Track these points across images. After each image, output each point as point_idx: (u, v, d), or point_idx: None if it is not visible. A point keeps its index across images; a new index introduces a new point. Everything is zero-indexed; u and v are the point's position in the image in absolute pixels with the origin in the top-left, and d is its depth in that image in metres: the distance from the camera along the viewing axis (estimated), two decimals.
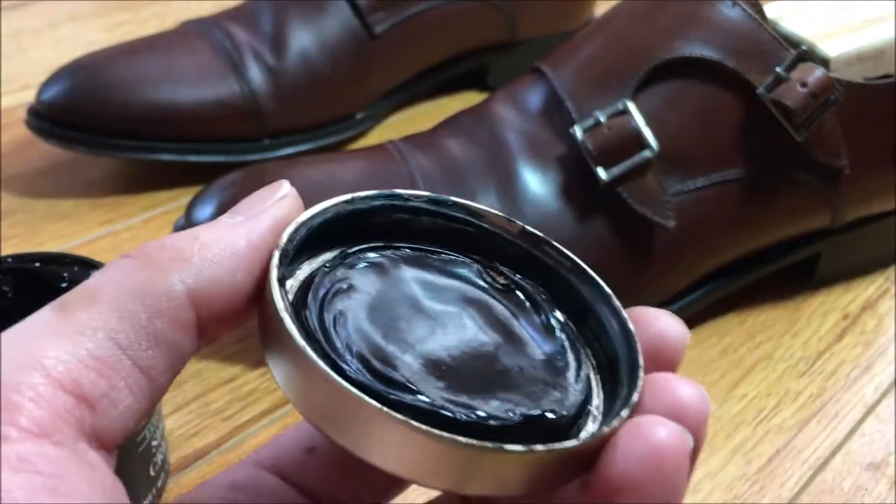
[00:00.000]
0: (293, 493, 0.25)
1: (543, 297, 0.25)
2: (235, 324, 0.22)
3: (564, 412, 0.22)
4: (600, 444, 0.20)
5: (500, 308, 0.24)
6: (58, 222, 0.59)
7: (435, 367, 0.21)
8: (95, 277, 0.20)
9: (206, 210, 0.48)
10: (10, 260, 0.39)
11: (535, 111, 0.50)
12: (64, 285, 0.38)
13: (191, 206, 0.49)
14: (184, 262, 0.20)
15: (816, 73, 0.46)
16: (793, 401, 0.47)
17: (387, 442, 0.19)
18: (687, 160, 0.47)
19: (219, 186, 0.49)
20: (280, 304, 0.20)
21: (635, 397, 0.21)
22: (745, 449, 0.45)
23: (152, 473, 0.38)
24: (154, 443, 0.38)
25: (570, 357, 0.23)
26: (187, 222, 0.48)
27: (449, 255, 0.25)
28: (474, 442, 0.19)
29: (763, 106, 0.47)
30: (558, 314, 0.24)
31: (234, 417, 0.46)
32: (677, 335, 0.23)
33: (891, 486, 0.43)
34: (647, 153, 0.46)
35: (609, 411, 0.22)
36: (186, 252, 0.21)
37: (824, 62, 0.51)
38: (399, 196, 0.25)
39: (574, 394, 0.22)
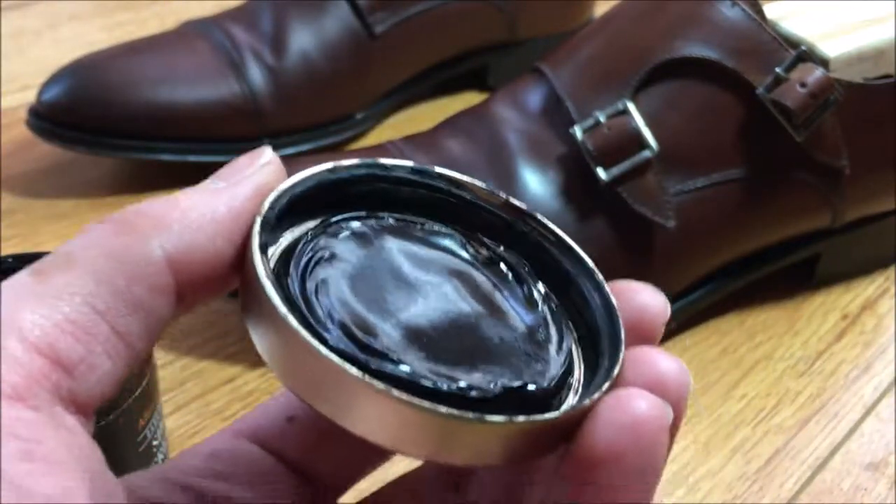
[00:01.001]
0: (272, 461, 0.25)
1: (526, 269, 0.25)
2: (216, 291, 0.21)
3: (545, 384, 0.22)
4: (581, 416, 0.20)
5: (482, 279, 0.24)
6: (58, 222, 0.59)
7: (417, 336, 0.21)
8: (73, 242, 0.20)
9: None
10: (10, 260, 0.39)
11: (535, 111, 0.50)
12: None
13: None
14: (163, 227, 0.20)
15: (816, 74, 0.46)
16: (792, 401, 0.47)
17: (367, 411, 0.19)
18: (687, 160, 0.48)
19: None
20: (261, 270, 0.20)
21: (616, 370, 0.21)
22: (744, 449, 0.45)
23: None
24: (154, 442, 0.38)
25: (552, 330, 0.23)
26: None
27: (432, 225, 0.25)
28: (454, 412, 0.19)
29: (763, 106, 0.47)
30: (541, 287, 0.24)
31: (234, 417, 0.46)
32: (658, 308, 0.23)
33: (890, 486, 0.43)
34: (646, 153, 0.46)
35: (590, 384, 0.22)
36: (166, 217, 0.20)
37: (824, 62, 0.51)
38: (382, 166, 0.24)
39: (555, 366, 0.22)
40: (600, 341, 0.23)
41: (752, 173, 0.48)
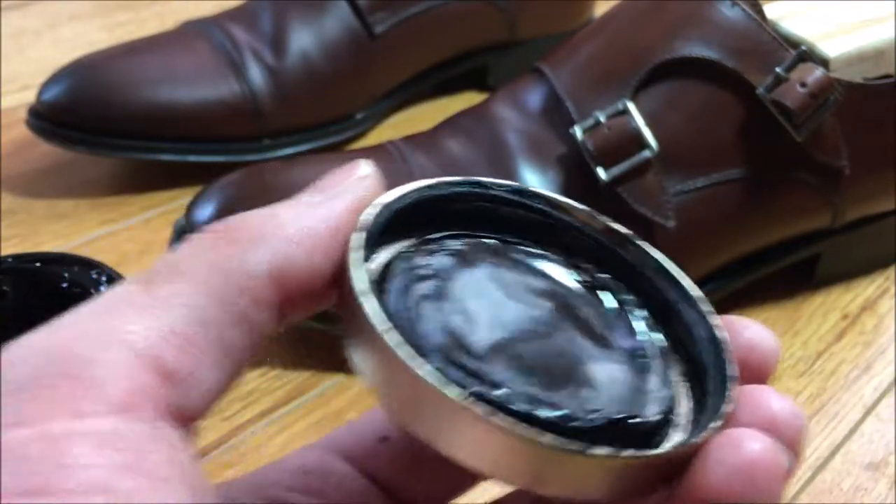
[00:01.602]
0: (363, 481, 0.24)
1: (627, 296, 0.24)
2: (313, 307, 0.21)
3: (648, 418, 0.21)
4: (690, 454, 0.20)
5: (581, 305, 0.23)
6: (58, 222, 0.59)
7: (517, 362, 0.21)
8: (178, 252, 0.19)
9: (206, 210, 0.48)
10: (10, 260, 0.39)
11: (535, 111, 0.50)
12: (64, 285, 0.38)
13: (191, 207, 0.49)
14: (263, 240, 0.20)
15: (816, 74, 0.46)
16: (793, 400, 0.47)
17: (465, 435, 0.19)
18: (687, 160, 0.48)
19: (219, 186, 0.49)
20: (360, 287, 0.20)
21: (727, 408, 0.20)
22: None
23: None
24: None
25: (655, 361, 0.22)
26: (187, 222, 0.48)
27: (530, 246, 0.24)
28: (557, 442, 0.19)
29: (763, 106, 0.47)
30: (643, 315, 0.24)
31: (233, 417, 0.46)
32: (768, 345, 0.22)
33: (890, 486, 0.43)
34: (646, 153, 0.46)
35: (697, 420, 0.21)
36: (266, 230, 0.20)
37: (824, 62, 0.51)
38: (481, 184, 0.24)
39: (658, 400, 0.21)
40: (706, 376, 0.22)
41: (752, 173, 0.48)
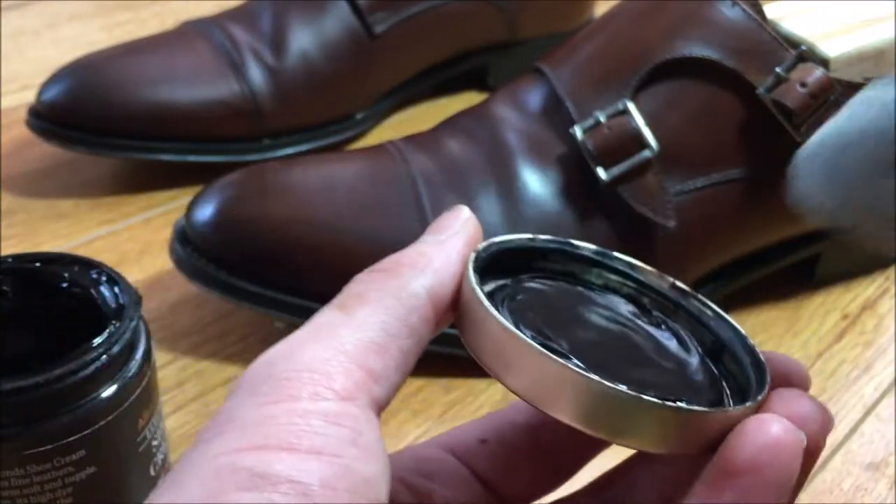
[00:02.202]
0: (467, 472, 0.30)
1: (687, 335, 0.28)
2: (447, 322, 0.27)
3: (700, 405, 0.25)
4: (738, 418, 0.24)
5: (650, 334, 0.28)
6: (57, 222, 0.59)
7: (591, 355, 0.25)
8: (356, 286, 0.26)
9: (206, 210, 0.48)
10: (10, 260, 0.39)
11: (535, 111, 0.50)
12: (64, 285, 0.38)
13: (191, 207, 0.49)
14: (420, 271, 0.26)
15: (816, 74, 0.46)
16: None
17: (560, 390, 0.24)
18: (687, 160, 0.48)
19: (219, 186, 0.49)
20: (481, 295, 0.25)
21: (762, 395, 0.25)
22: None
23: (153, 473, 0.38)
24: (154, 442, 0.38)
25: (708, 379, 0.27)
26: (187, 222, 0.48)
27: (607, 293, 0.29)
28: (636, 394, 0.23)
29: (763, 106, 0.47)
30: (699, 348, 0.28)
31: None
32: (802, 373, 0.27)
33: (890, 486, 0.43)
34: (647, 153, 0.46)
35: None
36: (420, 264, 0.26)
37: (824, 62, 0.51)
38: (571, 244, 0.29)
39: (707, 398, 0.26)
40: (750, 389, 0.26)
41: (752, 173, 0.48)
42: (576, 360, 0.24)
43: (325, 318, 0.25)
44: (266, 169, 0.50)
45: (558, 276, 0.29)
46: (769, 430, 0.23)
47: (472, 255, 0.27)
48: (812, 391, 0.49)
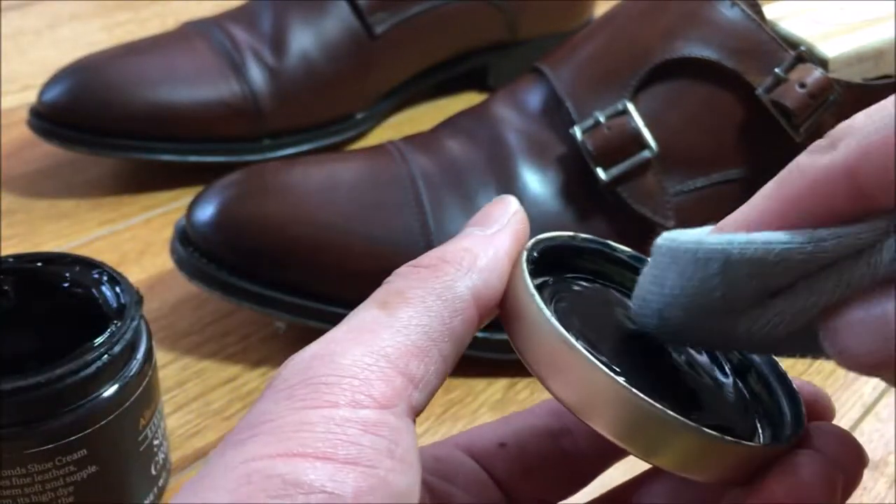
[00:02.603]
0: (484, 475, 0.29)
1: (719, 360, 0.28)
2: (489, 319, 0.26)
3: (735, 434, 0.24)
4: (771, 456, 0.24)
5: (690, 358, 0.27)
6: (58, 222, 0.60)
7: (641, 379, 0.24)
8: (399, 282, 0.25)
9: (207, 210, 0.48)
10: (10, 260, 0.39)
11: (535, 111, 0.50)
12: (65, 285, 0.38)
13: (192, 207, 0.49)
14: (465, 270, 0.25)
15: (815, 74, 0.46)
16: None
17: (601, 399, 0.23)
18: (686, 160, 0.48)
19: (219, 187, 0.49)
20: (540, 301, 0.24)
21: (801, 429, 0.25)
22: None
23: (154, 472, 0.39)
24: (156, 442, 0.38)
25: (741, 403, 0.27)
26: (188, 222, 0.48)
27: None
28: (677, 418, 0.23)
29: (762, 106, 0.47)
30: (728, 365, 0.28)
31: (234, 417, 0.46)
32: (827, 406, 0.27)
33: (890, 484, 0.43)
34: (646, 153, 0.46)
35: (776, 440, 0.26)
36: (465, 262, 0.25)
37: (823, 63, 0.51)
38: (609, 245, 0.29)
39: (746, 429, 0.26)
40: (783, 421, 0.26)
41: (751, 173, 0.48)
42: (622, 376, 0.24)
43: (366, 316, 0.24)
44: (267, 169, 0.50)
45: (596, 278, 0.29)
46: (813, 471, 0.23)
47: (524, 255, 0.26)
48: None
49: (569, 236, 0.28)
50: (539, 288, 0.25)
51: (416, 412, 0.23)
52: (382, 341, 0.23)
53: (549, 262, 0.27)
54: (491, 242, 0.26)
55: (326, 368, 0.22)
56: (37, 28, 0.84)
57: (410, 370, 0.23)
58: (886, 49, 0.53)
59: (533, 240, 0.27)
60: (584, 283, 0.28)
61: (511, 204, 0.27)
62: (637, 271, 0.28)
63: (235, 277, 0.47)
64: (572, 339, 0.24)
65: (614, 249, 0.29)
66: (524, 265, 0.25)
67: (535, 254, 0.26)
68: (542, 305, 0.24)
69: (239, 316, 0.52)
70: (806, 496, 0.23)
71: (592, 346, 0.24)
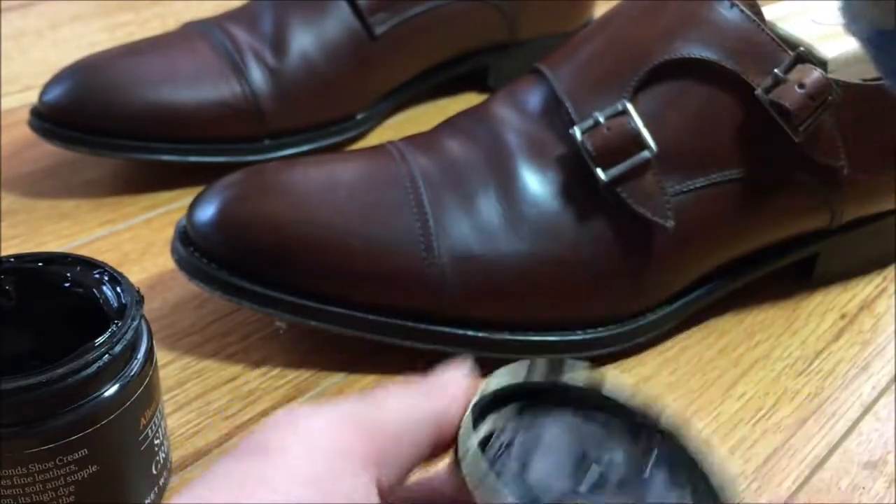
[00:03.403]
0: None
1: (682, 480, 0.29)
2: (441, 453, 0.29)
3: None
4: None
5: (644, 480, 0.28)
6: (59, 222, 0.60)
7: None
8: (383, 403, 0.28)
9: (207, 211, 0.48)
10: (11, 260, 0.39)
11: (535, 112, 0.50)
12: (66, 285, 0.38)
13: (192, 207, 0.49)
14: (452, 402, 0.28)
15: (814, 75, 0.46)
16: (791, 400, 0.48)
17: None
18: (686, 160, 0.48)
19: (220, 187, 0.49)
20: (483, 466, 0.26)
21: None
22: (742, 448, 0.45)
23: (154, 472, 0.39)
24: (156, 441, 0.38)
25: None
26: (189, 222, 0.49)
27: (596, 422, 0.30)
28: None
29: (762, 107, 0.47)
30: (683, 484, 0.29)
31: (234, 417, 0.46)
32: None
33: (889, 484, 0.43)
34: (646, 154, 0.46)
35: None
36: (445, 402, 0.28)
37: (822, 63, 0.51)
38: (562, 385, 0.29)
39: None
40: None
41: (750, 174, 0.48)
42: None
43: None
44: (267, 169, 0.50)
45: (552, 407, 0.29)
46: None
47: (469, 416, 0.27)
48: (810, 390, 0.49)
49: (520, 382, 0.29)
50: (493, 434, 0.28)
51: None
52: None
53: (504, 398, 0.29)
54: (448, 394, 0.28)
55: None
56: (38, 28, 0.84)
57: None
58: None
59: (479, 390, 0.28)
60: (542, 417, 0.29)
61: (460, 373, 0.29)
62: (594, 398, 0.29)
63: (236, 277, 0.47)
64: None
65: (567, 388, 0.29)
66: (465, 419, 0.27)
67: (479, 404, 0.28)
68: (493, 478, 0.25)
69: (239, 316, 0.52)
70: None
71: (551, 490, 0.26)
